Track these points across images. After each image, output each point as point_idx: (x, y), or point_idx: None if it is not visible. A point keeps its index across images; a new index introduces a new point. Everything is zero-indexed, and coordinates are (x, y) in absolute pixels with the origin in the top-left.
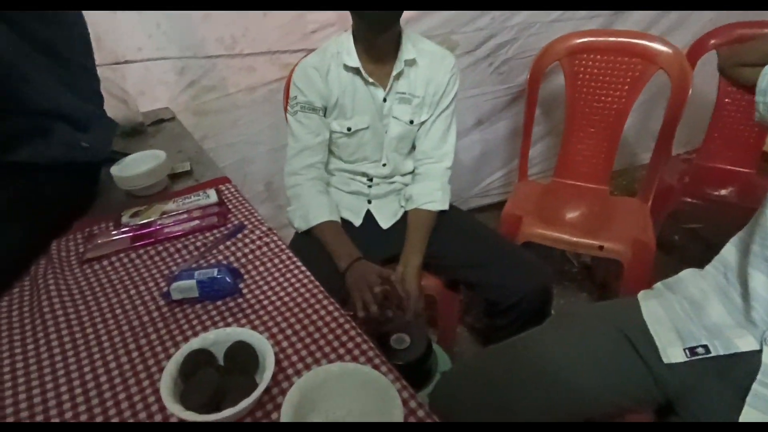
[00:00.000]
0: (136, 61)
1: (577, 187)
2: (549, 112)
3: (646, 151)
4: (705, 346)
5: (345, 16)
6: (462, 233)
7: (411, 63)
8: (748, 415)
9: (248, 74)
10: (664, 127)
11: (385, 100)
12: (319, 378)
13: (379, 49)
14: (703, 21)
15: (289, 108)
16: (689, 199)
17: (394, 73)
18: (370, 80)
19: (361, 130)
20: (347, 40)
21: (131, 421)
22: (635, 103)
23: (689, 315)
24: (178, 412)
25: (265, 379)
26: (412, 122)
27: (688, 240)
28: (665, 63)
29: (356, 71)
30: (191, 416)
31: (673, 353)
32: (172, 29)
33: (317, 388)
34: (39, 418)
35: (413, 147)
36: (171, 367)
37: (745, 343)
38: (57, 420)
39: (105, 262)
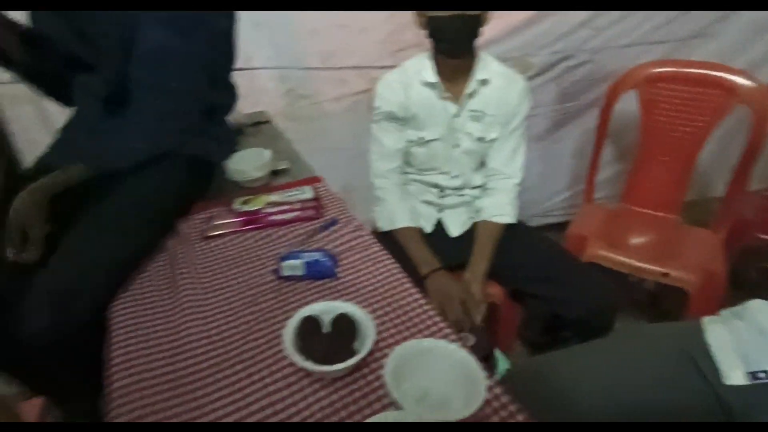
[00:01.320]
0: (245, 69)
1: (646, 214)
2: (615, 137)
3: (721, 184)
4: (766, 372)
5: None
6: (531, 246)
7: (484, 83)
8: None
9: (339, 85)
10: (743, 161)
11: (458, 115)
12: (413, 349)
13: (454, 68)
14: None
15: (373, 117)
16: (766, 236)
17: (468, 91)
18: (445, 95)
19: (433, 141)
20: (427, 59)
21: (256, 368)
22: (712, 134)
23: (756, 341)
24: (300, 361)
25: (367, 345)
26: (482, 139)
27: (762, 278)
28: (747, 97)
29: (433, 86)
30: (310, 365)
31: (735, 376)
32: (281, 42)
33: (411, 357)
34: (181, 363)
35: (482, 163)
36: (290, 327)
37: None
38: (192, 363)
39: (221, 240)
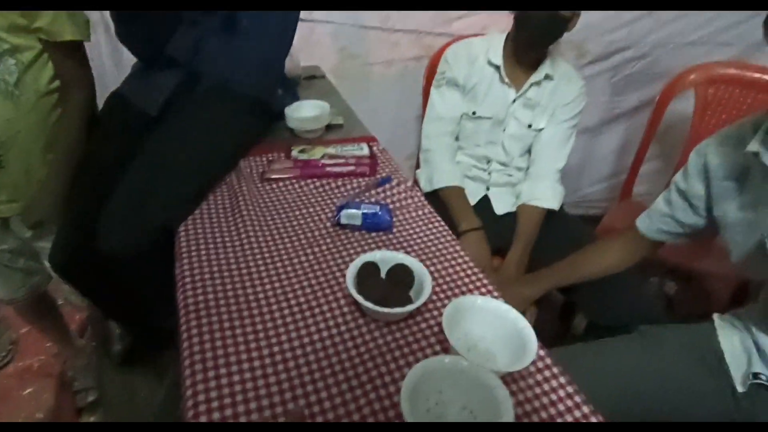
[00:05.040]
0: (306, 20)
1: None
2: (664, 135)
3: None
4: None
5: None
6: (574, 243)
7: (547, 77)
8: None
9: (392, 48)
10: None
11: (514, 101)
12: (467, 303)
13: (524, 58)
14: None
15: (434, 81)
16: None
17: (532, 80)
18: (506, 80)
19: (484, 119)
20: (499, 41)
21: (316, 303)
22: None
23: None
24: (361, 300)
25: (424, 294)
26: (530, 126)
27: None
28: None
29: (497, 68)
30: (371, 305)
31: (741, 379)
32: None
33: (465, 310)
34: (248, 287)
35: (528, 150)
36: (352, 270)
37: None
38: (257, 289)
39: (281, 184)
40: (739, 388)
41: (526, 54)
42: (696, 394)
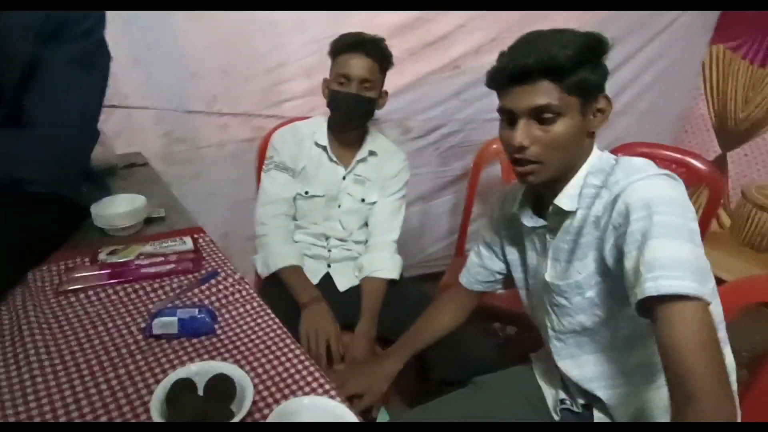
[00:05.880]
0: (121, 107)
1: None
2: (485, 195)
3: None
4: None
5: (314, 90)
6: (415, 307)
7: (371, 154)
8: None
9: (221, 131)
10: None
11: (344, 178)
12: (292, 408)
13: (346, 138)
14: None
15: (264, 166)
16: None
17: (358, 158)
18: (334, 159)
19: (317, 197)
20: (323, 122)
21: None
22: None
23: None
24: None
25: (245, 406)
26: (363, 200)
27: None
28: None
29: (324, 149)
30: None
31: (553, 407)
32: (162, 82)
33: (291, 416)
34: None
35: (365, 223)
36: (159, 392)
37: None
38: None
39: (82, 295)
40: (555, 417)
41: (345, 133)
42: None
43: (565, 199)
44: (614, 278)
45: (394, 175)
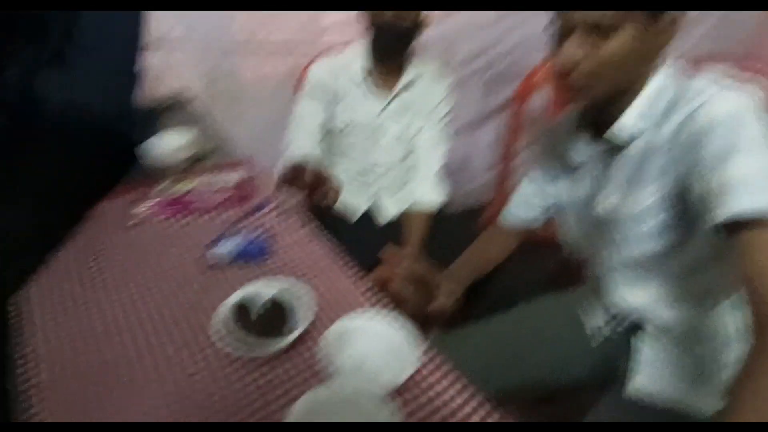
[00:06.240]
0: (165, 42)
1: None
2: (531, 126)
3: None
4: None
5: (353, 20)
6: (458, 241)
7: (414, 80)
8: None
9: (262, 65)
10: None
11: (385, 107)
12: (348, 324)
13: (386, 68)
14: None
15: (300, 95)
16: None
17: (399, 85)
18: (374, 89)
19: (358, 129)
20: (362, 52)
21: (187, 355)
22: None
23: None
24: (233, 344)
25: (302, 324)
26: (405, 130)
27: None
28: None
29: (363, 80)
30: (245, 346)
31: (591, 332)
32: (203, 16)
33: (347, 332)
34: (106, 352)
35: (408, 154)
36: (222, 312)
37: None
38: (118, 353)
39: (144, 228)
40: (593, 343)
41: (386, 62)
42: (565, 355)
43: (627, 122)
44: (686, 203)
45: (438, 102)
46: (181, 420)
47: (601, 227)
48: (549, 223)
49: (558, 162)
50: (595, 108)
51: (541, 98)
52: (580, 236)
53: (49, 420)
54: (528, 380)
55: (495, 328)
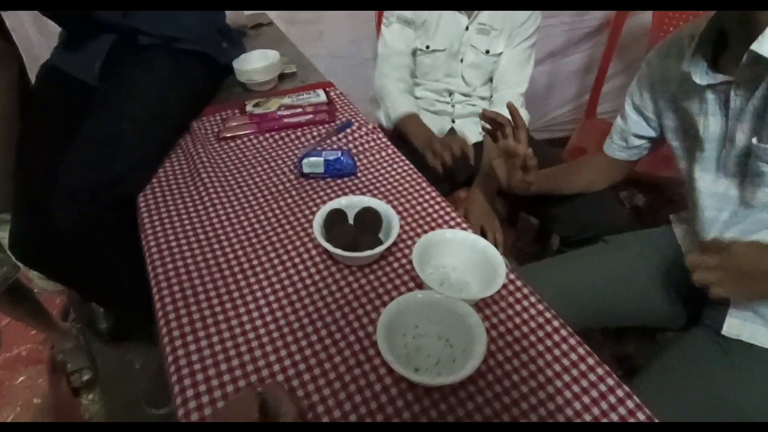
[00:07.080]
0: None
1: None
2: (625, 50)
3: None
4: None
5: None
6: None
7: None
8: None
9: None
10: None
11: (467, 28)
12: (435, 238)
13: None
14: None
15: (384, 19)
16: None
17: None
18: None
19: (439, 51)
20: None
21: (287, 256)
22: None
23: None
24: (331, 248)
25: (392, 234)
26: (488, 52)
27: None
28: None
29: None
30: (341, 252)
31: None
32: None
33: (434, 245)
34: (217, 249)
35: (490, 78)
36: (318, 219)
37: None
38: (226, 250)
39: (238, 142)
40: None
41: None
42: (654, 293)
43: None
44: None
45: (523, 22)
46: (281, 317)
47: (738, 163)
48: (645, 158)
49: (673, 89)
50: (725, 29)
51: (641, 19)
52: (704, 174)
53: (170, 309)
54: (606, 315)
55: (582, 261)
